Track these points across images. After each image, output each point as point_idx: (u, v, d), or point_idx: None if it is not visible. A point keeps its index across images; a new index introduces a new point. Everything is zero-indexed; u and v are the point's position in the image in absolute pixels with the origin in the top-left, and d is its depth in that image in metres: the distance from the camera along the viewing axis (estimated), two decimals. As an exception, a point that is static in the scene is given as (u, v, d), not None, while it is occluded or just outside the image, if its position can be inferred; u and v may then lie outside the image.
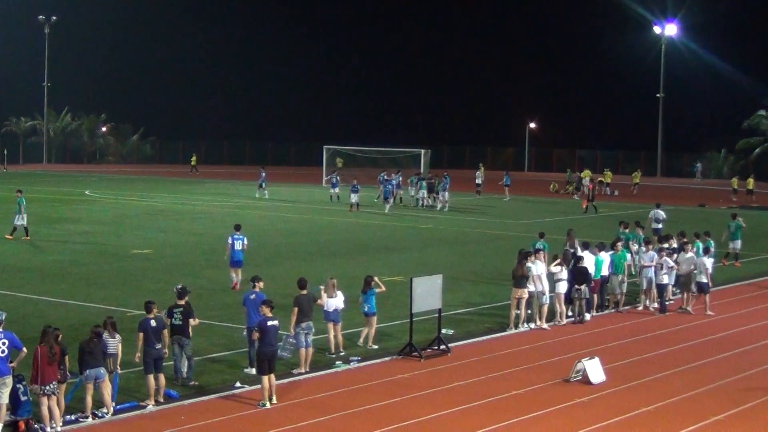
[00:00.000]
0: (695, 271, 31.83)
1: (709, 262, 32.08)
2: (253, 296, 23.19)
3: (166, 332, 21.09)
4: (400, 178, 69.45)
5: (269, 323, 21.02)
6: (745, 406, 21.16)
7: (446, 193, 65.33)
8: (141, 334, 20.68)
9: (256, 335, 21.16)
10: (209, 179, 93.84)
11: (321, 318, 24.80)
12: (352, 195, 62.36)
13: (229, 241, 33.57)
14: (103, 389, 19.51)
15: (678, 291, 32.92)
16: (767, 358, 25.58)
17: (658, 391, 22.12)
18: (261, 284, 23.75)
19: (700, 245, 34.97)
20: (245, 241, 33.83)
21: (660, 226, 45.11)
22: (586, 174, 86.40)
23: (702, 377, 23.49)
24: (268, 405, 20.53)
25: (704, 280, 31.69)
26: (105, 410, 19.55)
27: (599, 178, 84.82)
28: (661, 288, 31.65)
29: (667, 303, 31.73)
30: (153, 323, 20.78)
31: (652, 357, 25.51)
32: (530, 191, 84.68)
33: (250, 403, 20.67)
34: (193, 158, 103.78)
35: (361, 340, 25.88)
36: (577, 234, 36.13)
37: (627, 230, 37.11)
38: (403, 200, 67.96)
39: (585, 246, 31.60)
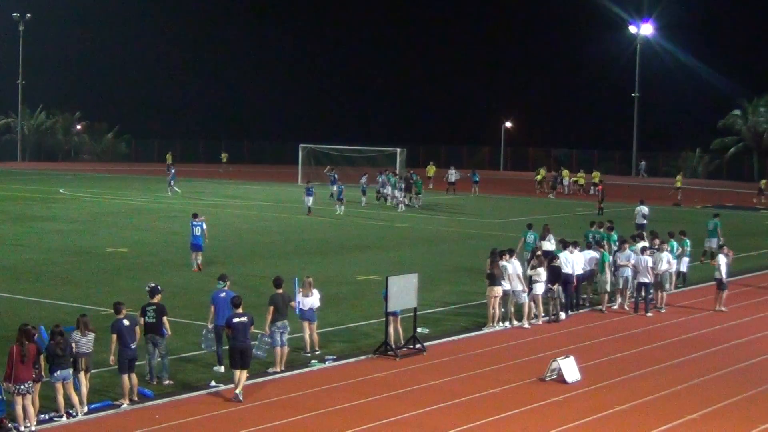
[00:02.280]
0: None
1: (723, 259, 32.27)
2: (222, 294, 23.13)
3: (138, 329, 20.98)
4: (387, 177, 69.05)
5: (235, 320, 21.13)
6: (720, 405, 21.24)
7: (399, 193, 64.85)
8: (114, 336, 20.54)
9: (229, 332, 21.28)
10: (183, 178, 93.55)
11: (296, 317, 24.75)
12: (307, 198, 58.63)
13: (190, 226, 37.75)
14: (70, 390, 19.40)
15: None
16: (741, 357, 25.70)
17: (633, 389, 22.18)
18: (228, 283, 23.77)
19: (675, 245, 35.19)
20: (204, 227, 37.51)
21: (645, 221, 47.64)
22: (566, 174, 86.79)
23: (677, 376, 23.57)
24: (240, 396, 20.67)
25: (720, 277, 32.08)
26: (77, 409, 19.45)
27: (578, 178, 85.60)
28: (640, 287, 31.57)
29: (642, 302, 31.74)
30: (126, 322, 20.63)
31: (627, 356, 25.58)
32: (506, 190, 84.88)
33: (225, 401, 20.61)
34: (168, 156, 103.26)
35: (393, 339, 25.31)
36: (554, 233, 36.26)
37: (602, 230, 37.25)
38: (387, 200, 67.38)
39: (564, 244, 31.69)
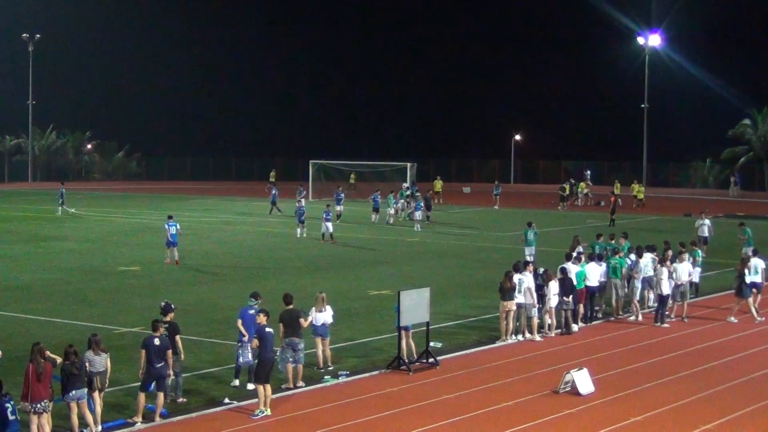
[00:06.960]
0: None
1: (761, 262, 32.31)
2: (252, 311, 22.99)
3: (170, 353, 20.81)
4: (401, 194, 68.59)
5: (267, 330, 21.40)
6: (734, 415, 21.18)
7: (419, 213, 61.86)
8: (143, 351, 20.58)
9: (255, 343, 21.45)
10: (195, 195, 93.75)
11: (309, 333, 24.73)
12: (325, 224, 52.76)
13: (165, 227, 43.38)
14: (84, 409, 19.40)
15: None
16: (755, 367, 25.61)
17: (647, 401, 22.14)
18: (260, 300, 23.77)
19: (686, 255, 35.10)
20: (178, 227, 43.41)
21: (707, 234, 48.32)
22: (582, 186, 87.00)
23: (690, 386, 23.51)
24: (267, 412, 20.70)
25: (758, 280, 32.23)
26: (91, 429, 19.44)
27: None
28: (663, 299, 31.42)
29: (666, 314, 31.60)
30: (156, 342, 20.54)
31: (640, 367, 25.52)
32: (517, 203, 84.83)
33: (238, 418, 20.61)
34: (272, 174, 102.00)
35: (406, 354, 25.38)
36: (562, 244, 36.28)
37: (612, 241, 37.26)
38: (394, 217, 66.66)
39: (567, 256, 31.81)
